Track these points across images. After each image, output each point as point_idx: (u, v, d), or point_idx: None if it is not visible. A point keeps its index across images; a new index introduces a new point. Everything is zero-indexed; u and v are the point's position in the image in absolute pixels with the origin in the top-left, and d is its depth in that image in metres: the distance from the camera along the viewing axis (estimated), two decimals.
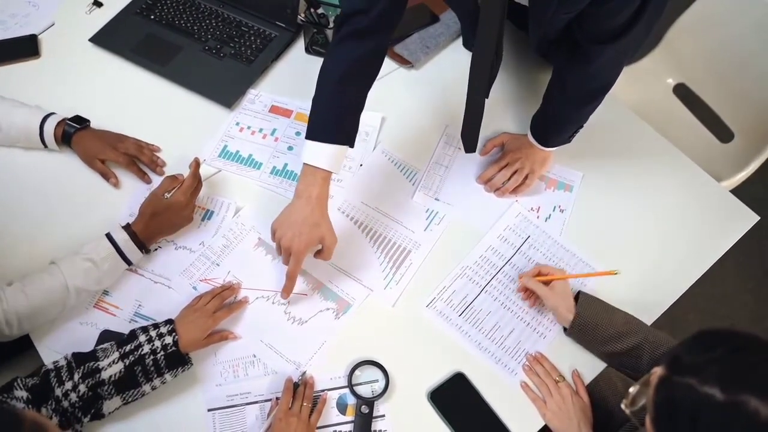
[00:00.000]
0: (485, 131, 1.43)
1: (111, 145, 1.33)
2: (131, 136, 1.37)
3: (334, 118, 1.15)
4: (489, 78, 1.24)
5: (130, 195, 1.32)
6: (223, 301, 1.18)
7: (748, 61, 1.66)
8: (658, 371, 0.75)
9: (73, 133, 1.32)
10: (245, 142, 1.41)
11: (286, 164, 1.38)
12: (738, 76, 1.70)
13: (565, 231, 1.33)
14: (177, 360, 1.07)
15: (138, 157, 1.34)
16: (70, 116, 1.34)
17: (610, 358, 1.18)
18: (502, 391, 1.17)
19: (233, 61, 1.51)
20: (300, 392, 1.11)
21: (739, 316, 2.18)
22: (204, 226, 1.30)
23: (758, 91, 1.65)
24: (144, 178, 1.34)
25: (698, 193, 1.40)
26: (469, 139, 1.30)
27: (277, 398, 1.12)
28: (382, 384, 1.15)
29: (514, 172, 1.35)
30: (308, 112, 1.43)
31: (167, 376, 1.07)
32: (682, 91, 1.84)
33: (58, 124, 1.31)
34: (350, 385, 1.14)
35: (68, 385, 1.00)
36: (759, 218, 1.37)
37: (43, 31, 1.55)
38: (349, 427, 1.12)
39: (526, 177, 1.35)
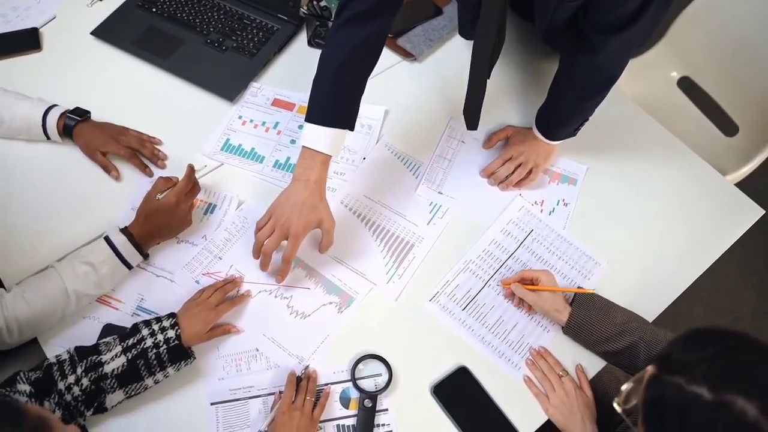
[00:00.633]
0: (490, 124, 1.43)
1: (113, 138, 1.32)
2: (133, 129, 1.36)
3: (334, 101, 1.14)
4: (491, 57, 1.25)
5: (132, 188, 1.32)
6: (225, 295, 1.17)
7: (753, 54, 1.65)
8: (649, 369, 0.75)
9: (74, 125, 1.31)
10: (248, 135, 1.41)
11: (288, 158, 1.38)
12: (743, 69, 1.69)
13: (569, 225, 1.33)
14: (179, 354, 1.06)
15: (140, 150, 1.34)
16: (71, 109, 1.33)
17: (607, 357, 1.18)
18: (505, 386, 1.16)
19: (235, 54, 1.50)
20: (303, 386, 1.11)
21: (743, 311, 2.18)
22: (206, 219, 1.30)
23: (763, 84, 1.64)
24: (146, 171, 1.34)
25: (703, 187, 1.39)
26: (471, 116, 1.32)
27: (281, 392, 1.11)
28: (385, 378, 1.15)
29: (518, 166, 1.34)
30: None
31: (170, 370, 1.06)
32: (686, 85, 1.83)
33: (61, 116, 1.31)
34: (353, 379, 1.14)
35: (71, 378, 1.00)
36: (764, 212, 1.37)
37: (45, 24, 1.54)
38: (352, 420, 1.12)
39: (530, 171, 1.34)
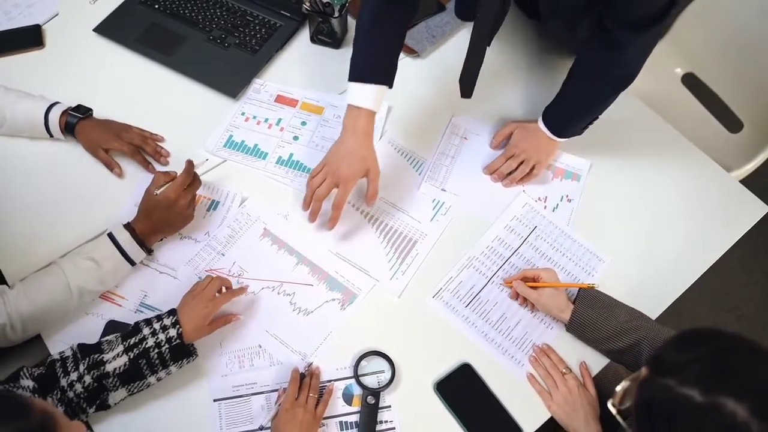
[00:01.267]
0: (493, 120, 1.43)
1: (115, 135, 1.32)
2: (135, 126, 1.36)
3: (372, 59, 1.21)
4: (494, 23, 1.29)
5: (135, 184, 1.32)
6: (221, 284, 1.16)
7: (757, 50, 1.64)
8: (644, 370, 0.75)
9: (75, 123, 1.31)
10: (250, 132, 1.40)
11: (291, 154, 1.38)
12: (748, 66, 1.68)
13: (572, 221, 1.32)
14: (182, 352, 1.06)
15: (142, 147, 1.34)
16: (73, 106, 1.33)
17: (611, 355, 1.18)
18: (508, 383, 1.16)
19: (238, 51, 1.50)
20: (306, 383, 1.11)
21: (747, 308, 2.17)
22: (209, 216, 1.30)
23: None
24: (148, 167, 1.33)
25: (707, 184, 1.39)
26: (467, 84, 1.32)
27: (284, 389, 1.11)
28: (388, 375, 1.14)
29: (521, 163, 1.34)
30: (314, 102, 1.45)
31: (172, 368, 1.06)
32: (690, 81, 1.82)
33: (63, 113, 1.31)
34: (356, 376, 1.14)
35: (73, 375, 1.00)
36: None
37: (47, 21, 1.54)
38: (355, 417, 1.12)
39: (532, 168, 1.34)
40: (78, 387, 0.99)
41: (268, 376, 1.15)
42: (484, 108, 1.44)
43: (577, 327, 1.16)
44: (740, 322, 2.14)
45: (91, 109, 1.34)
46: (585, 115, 1.30)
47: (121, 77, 1.47)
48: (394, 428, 1.11)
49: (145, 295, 1.20)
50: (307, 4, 1.44)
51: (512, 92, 1.47)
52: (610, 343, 1.14)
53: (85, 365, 1.01)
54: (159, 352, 1.04)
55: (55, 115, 1.30)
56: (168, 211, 1.18)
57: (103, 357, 1.02)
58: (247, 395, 1.13)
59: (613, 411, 0.79)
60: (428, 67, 1.51)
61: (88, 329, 1.16)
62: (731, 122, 1.76)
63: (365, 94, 1.19)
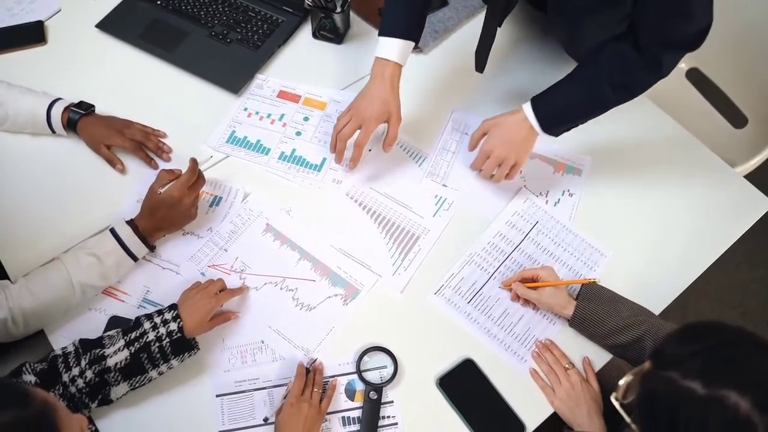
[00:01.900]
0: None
1: (117, 131, 1.32)
2: (137, 122, 1.36)
3: (399, 16, 1.26)
4: (504, 7, 1.36)
5: (138, 180, 1.32)
6: (224, 283, 1.17)
7: (762, 45, 1.64)
8: (647, 364, 0.75)
9: (78, 119, 1.31)
10: (253, 127, 1.40)
11: (294, 149, 1.38)
12: (752, 61, 1.68)
13: (574, 216, 1.32)
14: (183, 346, 1.07)
15: (144, 143, 1.34)
16: (75, 102, 1.33)
17: (614, 350, 1.17)
18: (511, 378, 1.16)
19: (240, 47, 1.50)
20: (310, 378, 1.11)
21: (751, 304, 2.17)
22: (212, 212, 1.30)
23: None
24: (151, 163, 1.34)
25: (711, 179, 1.38)
26: (480, 58, 1.39)
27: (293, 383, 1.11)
28: (390, 370, 1.14)
29: (501, 164, 1.29)
30: (316, 97, 1.45)
31: (174, 362, 1.07)
32: (695, 76, 1.81)
33: (65, 109, 1.31)
34: (359, 371, 1.14)
35: (75, 371, 1.00)
36: None
37: (50, 18, 1.54)
38: (358, 413, 1.12)
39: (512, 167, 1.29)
40: (80, 382, 1.00)
41: (270, 371, 1.15)
42: (485, 103, 1.44)
43: (579, 322, 1.16)
44: (744, 318, 2.13)
45: (93, 106, 1.34)
46: (589, 115, 1.27)
47: (124, 73, 1.47)
48: (396, 423, 1.11)
49: (148, 291, 1.21)
50: None
51: (513, 89, 1.47)
52: (612, 338, 1.14)
53: (87, 360, 1.01)
54: (160, 345, 1.04)
55: (57, 112, 1.30)
56: (172, 210, 1.19)
57: (104, 352, 1.02)
58: (249, 391, 1.13)
59: (617, 405, 0.79)
60: (430, 63, 1.51)
61: (91, 325, 1.16)
62: (736, 117, 1.75)
63: (392, 47, 1.25)
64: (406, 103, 1.43)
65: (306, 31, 1.54)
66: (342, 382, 1.14)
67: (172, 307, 1.09)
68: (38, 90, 1.34)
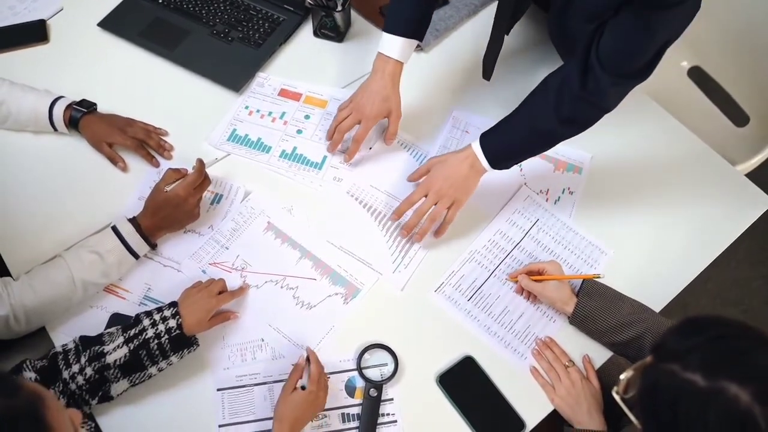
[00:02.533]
0: (494, 114, 1.42)
1: (118, 129, 1.32)
2: (139, 120, 1.37)
3: (403, 14, 1.27)
4: (512, 17, 1.37)
5: (139, 179, 1.33)
6: (225, 283, 1.17)
7: (764, 43, 1.63)
8: (648, 358, 0.75)
9: (79, 117, 1.32)
10: (254, 125, 1.41)
11: (295, 147, 1.38)
12: (754, 59, 1.67)
13: (574, 213, 1.32)
14: (182, 342, 1.07)
15: (146, 141, 1.34)
16: (77, 100, 1.34)
17: (614, 348, 1.17)
18: (511, 376, 1.16)
19: (241, 45, 1.50)
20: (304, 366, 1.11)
21: (752, 302, 2.16)
22: (213, 209, 1.30)
23: None
24: (152, 161, 1.34)
25: (712, 177, 1.38)
26: (488, 66, 1.41)
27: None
28: (391, 367, 1.15)
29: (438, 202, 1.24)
30: (317, 96, 1.45)
31: (173, 358, 1.07)
32: (696, 74, 1.81)
33: (67, 107, 1.31)
34: (359, 368, 1.14)
35: (75, 368, 1.00)
36: None
37: (52, 16, 1.54)
38: (357, 410, 1.12)
39: (448, 209, 1.24)
40: (80, 379, 1.00)
41: (272, 367, 1.15)
42: (486, 102, 1.44)
43: (580, 319, 1.16)
44: (745, 317, 2.13)
45: (95, 104, 1.35)
46: (539, 146, 1.23)
47: (125, 72, 1.47)
48: (395, 421, 1.11)
49: (149, 288, 1.21)
50: None
51: (513, 87, 1.46)
52: (613, 335, 1.14)
53: (87, 357, 1.01)
54: (159, 342, 1.05)
55: (59, 110, 1.31)
56: (176, 209, 1.19)
57: (103, 349, 1.02)
58: (250, 385, 1.13)
59: (618, 399, 0.79)
60: (431, 61, 1.51)
61: (93, 322, 1.16)
62: (737, 116, 1.75)
63: (394, 44, 1.27)
64: (407, 101, 1.43)
65: (307, 29, 1.54)
66: (342, 378, 1.14)
67: (172, 304, 1.10)
68: (40, 88, 1.34)
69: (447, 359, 1.17)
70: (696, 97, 1.81)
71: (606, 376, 1.18)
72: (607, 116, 1.27)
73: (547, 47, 1.46)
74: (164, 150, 1.35)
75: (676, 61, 1.82)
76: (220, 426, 1.10)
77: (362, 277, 1.24)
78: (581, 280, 1.20)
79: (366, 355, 1.16)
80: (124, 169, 1.33)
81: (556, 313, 1.21)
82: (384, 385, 1.13)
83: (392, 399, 1.13)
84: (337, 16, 1.46)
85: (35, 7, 1.55)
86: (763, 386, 0.65)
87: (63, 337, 1.15)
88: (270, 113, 1.42)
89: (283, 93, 1.45)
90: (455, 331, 1.20)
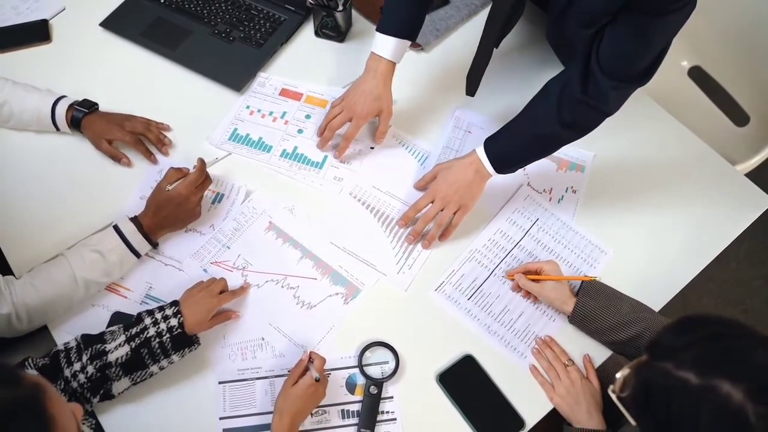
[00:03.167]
0: (497, 114, 1.43)
1: (117, 125, 1.32)
2: (139, 115, 1.37)
3: (396, 14, 1.28)
4: (502, 29, 1.35)
5: (141, 177, 1.33)
6: (226, 283, 1.18)
7: (764, 43, 1.63)
8: (644, 356, 0.75)
9: (81, 117, 1.32)
10: (255, 125, 1.41)
11: (296, 147, 1.38)
12: (754, 59, 1.67)
13: (577, 212, 1.32)
14: (183, 341, 1.07)
15: (145, 134, 1.34)
16: (79, 100, 1.34)
17: (613, 346, 1.18)
18: (511, 374, 1.16)
19: (243, 45, 1.50)
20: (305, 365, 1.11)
21: (753, 302, 2.17)
22: (214, 209, 1.30)
23: None
24: (150, 158, 1.34)
25: (712, 177, 1.38)
26: (472, 82, 1.37)
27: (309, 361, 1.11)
28: (392, 365, 1.15)
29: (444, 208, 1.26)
30: (318, 95, 1.45)
31: (174, 357, 1.07)
32: (697, 74, 1.81)
33: (69, 107, 1.32)
34: (360, 365, 1.15)
35: (77, 366, 1.01)
36: None
37: (54, 16, 1.55)
38: (357, 406, 1.12)
39: (454, 214, 1.26)
40: (81, 377, 1.01)
41: (273, 363, 1.16)
42: (488, 102, 1.44)
43: (579, 319, 1.16)
44: (746, 316, 2.13)
45: (96, 104, 1.35)
46: (538, 153, 1.24)
47: (127, 71, 1.48)
48: (395, 419, 1.12)
49: (151, 287, 1.22)
50: None
51: (517, 87, 1.47)
52: (612, 334, 1.14)
53: (88, 355, 1.02)
54: (160, 341, 1.05)
55: (61, 109, 1.31)
56: (178, 208, 1.20)
57: (105, 347, 1.03)
58: (251, 379, 1.14)
59: (614, 397, 0.79)
60: (432, 61, 1.51)
61: (94, 320, 1.17)
62: (738, 115, 1.75)
63: (387, 44, 1.27)
64: (408, 101, 1.44)
65: (308, 29, 1.55)
66: (343, 375, 1.15)
67: (174, 303, 1.10)
68: (42, 88, 1.35)
69: (447, 358, 1.17)
70: (696, 97, 1.81)
71: (606, 375, 1.18)
72: (609, 117, 1.28)
73: (547, 46, 1.46)
74: (163, 145, 1.35)
75: (676, 60, 1.82)
76: (220, 418, 1.11)
77: (363, 277, 1.25)
78: (580, 284, 1.20)
79: (367, 353, 1.16)
80: (129, 164, 1.34)
81: (556, 312, 1.21)
82: (384, 383, 1.13)
83: (392, 397, 1.13)
84: (338, 16, 1.47)
85: (37, 7, 1.56)
86: (756, 384, 0.65)
87: (65, 335, 1.15)
88: (271, 113, 1.43)
89: (284, 93, 1.46)
90: (455, 329, 1.20)
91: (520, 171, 1.34)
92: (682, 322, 0.75)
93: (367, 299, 1.22)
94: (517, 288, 1.23)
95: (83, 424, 1.01)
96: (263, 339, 1.18)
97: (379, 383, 1.13)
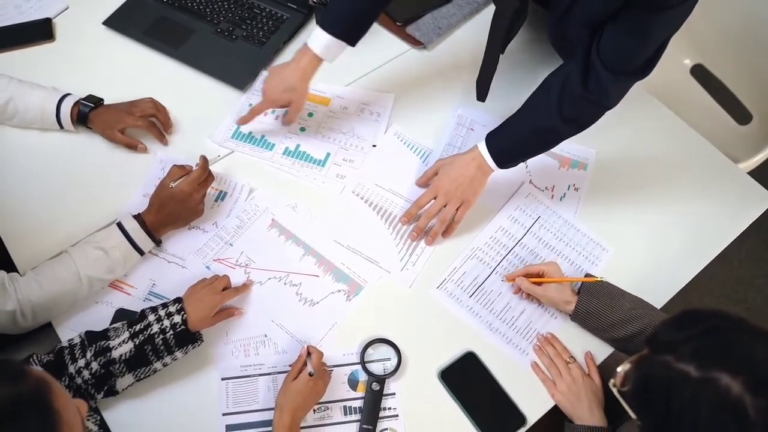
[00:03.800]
0: (500, 111, 1.43)
1: (126, 113, 1.33)
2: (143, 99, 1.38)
3: (345, 15, 1.23)
4: (507, 35, 1.32)
5: (144, 175, 1.34)
6: (229, 280, 1.18)
7: (767, 41, 1.63)
8: (644, 350, 0.76)
9: (88, 112, 1.32)
10: (258, 123, 1.41)
11: (298, 145, 1.39)
12: (757, 57, 1.67)
13: (579, 209, 1.33)
14: (186, 338, 1.08)
15: (156, 115, 1.35)
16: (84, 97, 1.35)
17: (615, 343, 1.18)
18: (512, 371, 1.17)
19: (245, 43, 1.51)
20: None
21: (755, 300, 2.17)
22: (217, 206, 1.31)
23: None
24: (163, 140, 1.36)
25: (715, 175, 1.39)
26: (481, 88, 1.36)
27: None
28: (394, 362, 1.15)
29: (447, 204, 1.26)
30: (320, 93, 1.45)
31: (177, 354, 1.08)
32: (699, 72, 1.81)
33: (74, 104, 1.32)
34: (362, 362, 1.15)
35: (81, 362, 1.01)
36: None
37: (58, 15, 1.56)
38: (359, 403, 1.13)
39: (457, 209, 1.26)
40: (85, 373, 1.01)
41: (276, 359, 1.16)
42: (491, 100, 1.44)
43: (582, 317, 1.17)
44: (748, 314, 2.12)
45: (102, 99, 1.36)
46: (543, 145, 1.25)
47: (130, 70, 1.48)
48: (397, 416, 1.12)
49: (154, 284, 1.22)
50: None
51: (520, 86, 1.46)
52: (614, 331, 1.14)
53: (92, 352, 1.02)
54: (164, 338, 1.06)
55: (66, 107, 1.32)
56: (181, 205, 1.20)
57: (109, 344, 1.03)
58: (254, 375, 1.15)
59: (614, 391, 0.80)
60: (435, 59, 1.52)
61: (98, 317, 1.17)
62: (740, 114, 1.75)
63: (321, 40, 1.24)
64: (410, 99, 1.45)
65: (310, 28, 1.54)
66: (345, 371, 1.15)
67: (177, 300, 1.11)
68: (48, 86, 1.35)
69: (449, 355, 1.17)
70: (699, 95, 1.81)
71: (607, 372, 1.18)
72: (610, 113, 1.28)
73: (549, 45, 1.46)
74: (169, 126, 1.37)
75: (678, 59, 1.82)
76: (223, 414, 1.11)
77: (365, 274, 1.25)
78: (582, 279, 1.21)
79: (369, 350, 1.16)
80: (145, 150, 1.35)
81: (558, 310, 1.21)
82: (387, 380, 1.14)
83: (394, 393, 1.14)
84: None
85: (41, 6, 1.56)
86: (755, 377, 0.66)
87: (69, 332, 1.15)
88: (273, 111, 1.43)
89: None
90: (457, 327, 1.21)
91: (522, 169, 1.35)
92: (683, 315, 0.76)
93: (369, 296, 1.23)
94: (518, 291, 1.23)
95: (88, 420, 1.01)
96: (266, 336, 1.19)
97: (381, 380, 1.13)
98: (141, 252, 1.19)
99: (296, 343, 1.18)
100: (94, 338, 1.04)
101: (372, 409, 1.11)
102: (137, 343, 1.04)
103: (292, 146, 1.39)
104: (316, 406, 1.11)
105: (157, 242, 1.22)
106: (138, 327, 1.06)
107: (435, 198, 1.26)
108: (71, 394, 1.00)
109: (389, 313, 1.22)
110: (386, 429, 1.11)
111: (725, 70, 1.76)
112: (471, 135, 1.41)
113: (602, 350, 1.19)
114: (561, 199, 1.34)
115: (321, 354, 1.11)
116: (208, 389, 1.13)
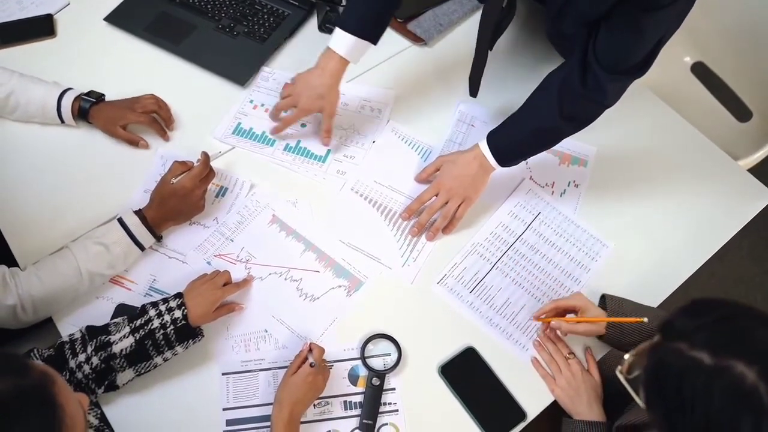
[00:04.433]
0: (500, 108, 1.43)
1: (128, 109, 1.33)
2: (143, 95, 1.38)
3: (365, 14, 1.24)
4: (494, 32, 1.33)
5: (145, 170, 1.34)
6: (230, 276, 1.19)
7: (767, 38, 1.63)
8: (656, 337, 0.76)
9: (89, 107, 1.33)
10: (259, 119, 1.42)
11: (299, 141, 1.39)
12: (757, 55, 1.67)
13: (580, 206, 1.33)
14: (187, 333, 1.08)
15: (157, 111, 1.35)
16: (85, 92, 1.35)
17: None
18: (512, 366, 1.17)
19: (247, 40, 1.51)
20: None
21: (756, 298, 2.17)
22: (218, 202, 1.31)
23: None
24: (164, 136, 1.36)
25: (715, 172, 1.39)
26: (473, 84, 1.38)
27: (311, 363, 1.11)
28: (394, 357, 1.16)
29: (446, 203, 1.27)
30: None
31: (178, 349, 1.08)
32: (700, 70, 1.81)
33: (75, 99, 1.33)
34: (363, 358, 1.15)
35: (81, 357, 1.02)
36: None
37: (59, 11, 1.56)
38: (359, 398, 1.13)
39: (458, 206, 1.27)
40: (86, 368, 1.01)
41: (276, 355, 1.16)
42: (492, 96, 1.44)
43: (612, 342, 1.15)
44: None
45: (103, 94, 1.36)
46: (540, 145, 1.27)
47: (131, 66, 1.48)
48: (397, 410, 1.12)
49: (155, 280, 1.22)
50: None
51: (520, 82, 1.47)
52: (633, 347, 1.12)
53: (93, 347, 1.02)
54: (164, 333, 1.06)
55: (67, 101, 1.32)
56: (182, 201, 1.20)
57: (110, 338, 1.04)
58: (254, 371, 1.15)
59: (621, 379, 0.80)
60: (435, 56, 1.52)
61: (99, 312, 1.18)
62: (740, 111, 1.75)
63: (343, 41, 1.24)
64: (411, 96, 1.45)
65: (312, 24, 1.55)
66: (345, 367, 1.16)
67: (178, 295, 1.11)
68: (49, 81, 1.35)
69: (449, 350, 1.18)
70: (699, 93, 1.81)
71: (606, 368, 1.18)
72: (611, 111, 1.28)
73: (548, 41, 1.47)
74: (170, 123, 1.38)
75: (679, 56, 1.82)
76: (224, 409, 1.12)
77: (366, 269, 1.25)
78: (601, 293, 1.19)
79: (369, 345, 1.17)
80: (146, 146, 1.35)
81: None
82: (387, 375, 1.14)
83: (394, 388, 1.14)
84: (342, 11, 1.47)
85: (42, 2, 1.56)
86: None
87: (69, 327, 1.16)
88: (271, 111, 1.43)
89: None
90: (457, 322, 1.21)
91: (522, 165, 1.35)
92: (696, 303, 0.75)
93: (369, 292, 1.23)
94: (546, 328, 1.19)
95: (89, 413, 1.01)
96: (266, 331, 1.19)
97: (381, 375, 1.13)
98: (142, 247, 1.19)
99: (297, 338, 1.18)
100: (94, 333, 1.05)
101: (372, 404, 1.11)
102: (138, 338, 1.04)
103: (293, 142, 1.39)
104: (316, 401, 1.11)
105: (158, 238, 1.22)
106: (139, 322, 1.06)
107: (437, 195, 1.27)
108: (72, 388, 1.00)
109: (389, 309, 1.22)
110: (386, 424, 1.12)
111: (725, 67, 1.76)
112: (471, 131, 1.41)
113: (601, 346, 1.19)
114: (561, 196, 1.34)
115: (322, 350, 1.11)
116: (208, 384, 1.14)
